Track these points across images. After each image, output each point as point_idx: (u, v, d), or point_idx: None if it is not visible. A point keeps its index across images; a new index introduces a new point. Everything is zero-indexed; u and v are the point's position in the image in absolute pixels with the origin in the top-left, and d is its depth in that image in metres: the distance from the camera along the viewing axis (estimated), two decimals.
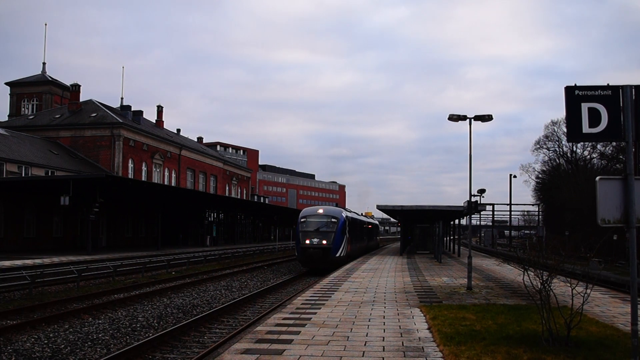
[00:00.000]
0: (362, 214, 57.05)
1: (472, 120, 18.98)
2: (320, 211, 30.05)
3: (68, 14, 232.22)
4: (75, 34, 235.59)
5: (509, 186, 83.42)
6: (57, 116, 55.62)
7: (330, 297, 14.97)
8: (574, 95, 7.04)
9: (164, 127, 69.13)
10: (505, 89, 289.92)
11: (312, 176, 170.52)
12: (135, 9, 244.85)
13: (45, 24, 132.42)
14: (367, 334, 9.88)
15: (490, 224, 77.24)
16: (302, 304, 13.60)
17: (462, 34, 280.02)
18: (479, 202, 40.16)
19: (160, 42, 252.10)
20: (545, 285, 9.11)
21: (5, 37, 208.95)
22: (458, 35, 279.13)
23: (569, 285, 9.22)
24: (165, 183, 59.34)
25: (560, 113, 78.97)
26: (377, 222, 70.13)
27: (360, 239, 39.11)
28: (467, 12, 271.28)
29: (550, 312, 8.84)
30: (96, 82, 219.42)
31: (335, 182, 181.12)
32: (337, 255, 28.21)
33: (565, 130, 41.10)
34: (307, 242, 27.85)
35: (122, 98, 67.83)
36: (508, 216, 75.13)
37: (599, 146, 59.14)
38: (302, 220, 29.17)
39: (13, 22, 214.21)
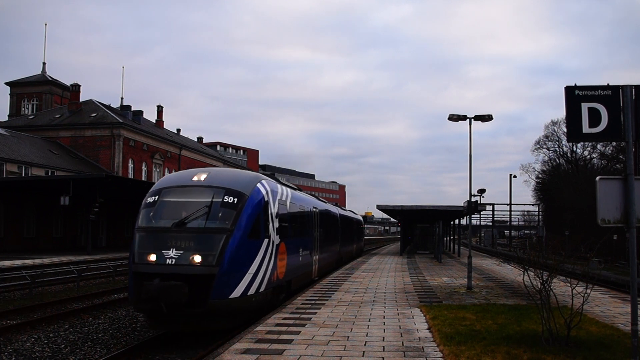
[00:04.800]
0: (342, 207, 36.95)
1: (472, 120, 19.00)
2: (201, 177, 12.56)
3: (67, 10, 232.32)
4: (75, 31, 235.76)
5: (509, 186, 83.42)
6: (57, 116, 55.64)
7: (331, 297, 14.96)
8: (574, 95, 7.05)
9: (164, 127, 69.15)
10: (508, 87, 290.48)
11: (312, 176, 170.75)
12: (135, 6, 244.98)
13: (45, 24, 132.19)
14: (367, 333, 9.88)
15: (490, 224, 77.25)
16: (302, 303, 13.60)
17: (465, 32, 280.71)
18: (479, 202, 40.24)
19: (160, 39, 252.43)
20: (545, 285, 9.11)
21: (5, 36, 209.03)
22: (461, 33, 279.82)
23: (569, 285, 9.22)
24: None
25: (564, 112, 79.18)
26: (359, 217, 44.65)
27: (319, 245, 20.28)
28: (471, 9, 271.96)
29: (550, 312, 8.84)
30: (96, 81, 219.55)
31: (335, 182, 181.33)
32: (237, 294, 11.18)
33: (565, 130, 41.17)
34: (151, 258, 11.08)
35: (122, 98, 67.85)
36: (508, 216, 75.25)
37: (599, 146, 59.23)
38: (151, 199, 12.28)
39: (12, 19, 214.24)
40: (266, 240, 12.47)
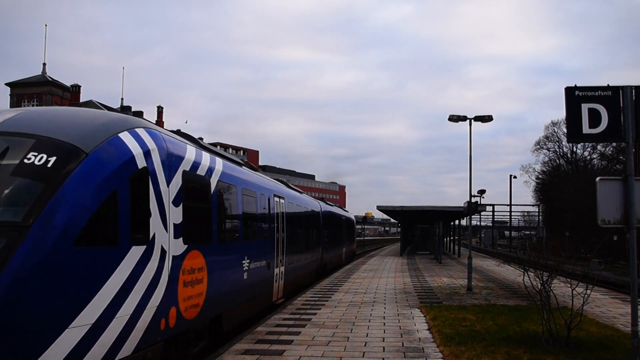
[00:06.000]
0: (327, 202, 28.72)
1: (472, 120, 19.02)
2: (4, 117, 6.16)
3: (67, 10, 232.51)
4: (75, 31, 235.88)
5: (509, 187, 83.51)
6: None
7: (331, 297, 14.97)
8: (574, 96, 7.07)
9: (164, 127, 69.21)
10: (509, 87, 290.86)
11: (312, 177, 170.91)
12: (135, 6, 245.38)
13: (46, 25, 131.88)
14: (367, 334, 9.88)
15: (491, 224, 77.31)
16: (302, 304, 13.61)
17: (465, 32, 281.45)
18: (479, 202, 40.26)
19: (160, 39, 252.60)
20: (546, 286, 9.11)
21: (5, 36, 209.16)
22: (461, 33, 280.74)
23: (569, 285, 9.22)
24: None
25: (564, 113, 79.32)
26: (351, 215, 38.69)
27: (285, 251, 14.54)
28: (471, 9, 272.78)
29: (550, 312, 8.84)
30: (96, 81, 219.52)
31: (335, 183, 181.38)
32: None
33: (565, 130, 41.20)
34: None
35: (122, 98, 68.06)
36: (508, 217, 75.29)
37: (599, 147, 59.29)
38: None
39: (12, 19, 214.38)
40: (139, 249, 6.30)
